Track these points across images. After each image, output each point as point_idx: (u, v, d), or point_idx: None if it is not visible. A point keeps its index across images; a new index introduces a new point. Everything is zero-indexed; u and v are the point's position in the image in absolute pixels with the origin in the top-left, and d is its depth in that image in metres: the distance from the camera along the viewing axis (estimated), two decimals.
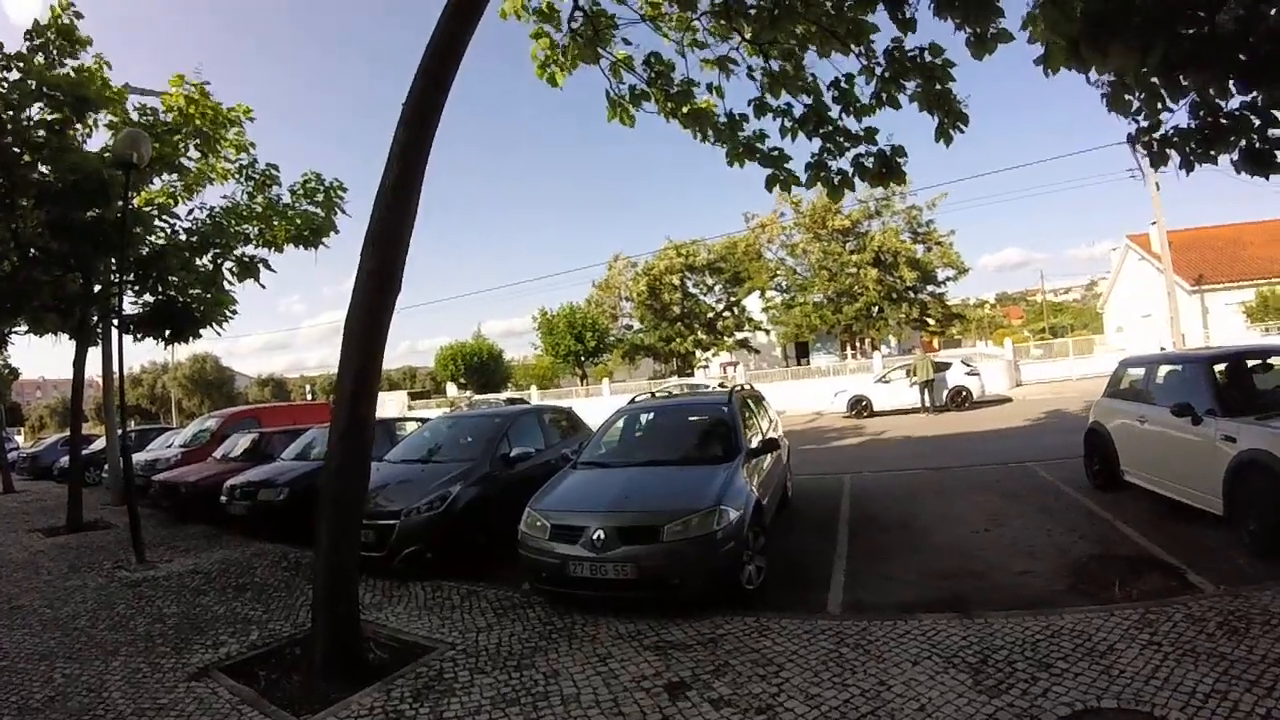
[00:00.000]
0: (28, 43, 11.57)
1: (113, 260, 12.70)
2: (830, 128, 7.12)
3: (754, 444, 8.20)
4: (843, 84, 7.07)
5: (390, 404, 57.66)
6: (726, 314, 52.01)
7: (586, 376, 55.08)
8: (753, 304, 51.98)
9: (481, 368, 62.42)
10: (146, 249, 13.00)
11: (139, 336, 13.85)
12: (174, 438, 21.43)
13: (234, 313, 14.32)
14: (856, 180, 7.30)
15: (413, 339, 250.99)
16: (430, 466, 9.37)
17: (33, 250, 12.18)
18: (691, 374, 49.42)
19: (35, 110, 11.56)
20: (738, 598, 6.37)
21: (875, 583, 6.98)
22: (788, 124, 7.23)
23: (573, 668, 5.26)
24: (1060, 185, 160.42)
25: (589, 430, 11.42)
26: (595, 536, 6.27)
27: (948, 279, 44.62)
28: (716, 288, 52.84)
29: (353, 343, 5.80)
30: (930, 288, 44.87)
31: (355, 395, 5.80)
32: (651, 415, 9.91)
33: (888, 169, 6.99)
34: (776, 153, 7.49)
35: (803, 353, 53.96)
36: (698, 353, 51.73)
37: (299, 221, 14.09)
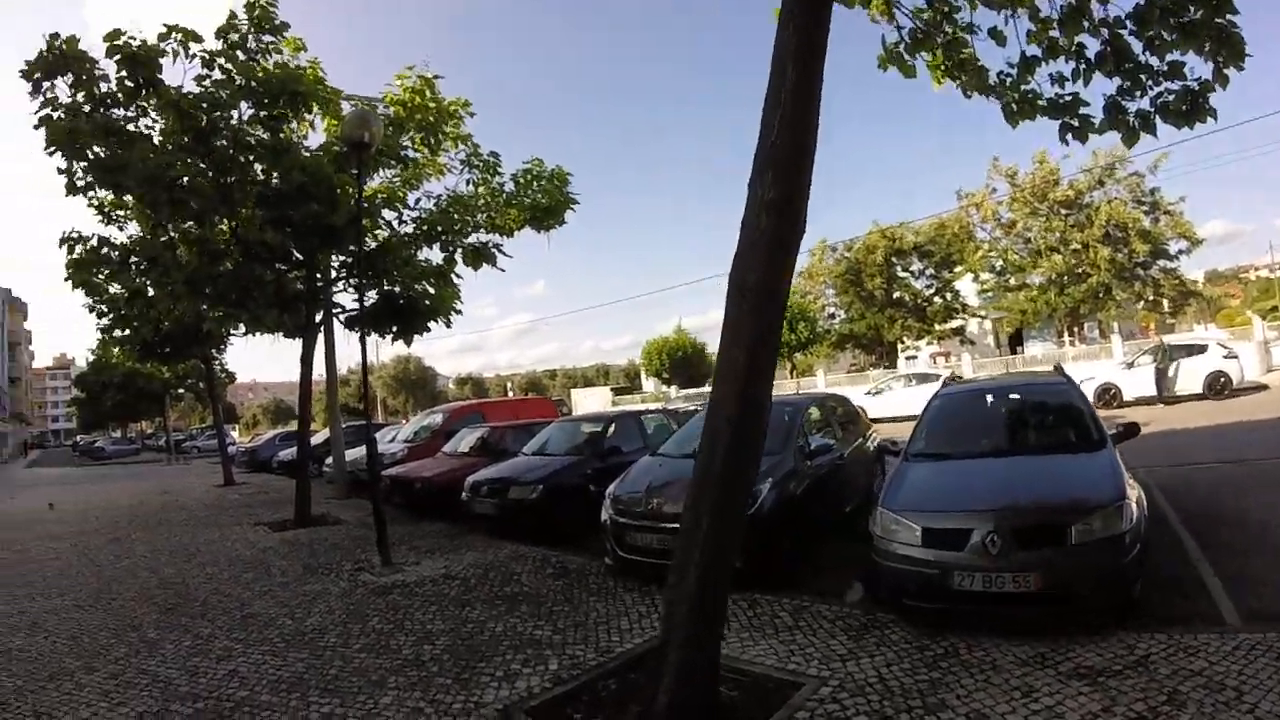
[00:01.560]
0: (221, 40, 11.55)
1: (334, 256, 13.38)
2: (1130, 65, 6.23)
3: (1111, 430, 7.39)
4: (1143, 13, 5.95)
5: (592, 399, 58.53)
6: (937, 299, 48.22)
7: (796, 369, 52.90)
8: (966, 289, 48.22)
9: (685, 362, 61.80)
10: (370, 244, 13.25)
11: (365, 333, 13.97)
12: (393, 433, 21.96)
13: (459, 310, 14.63)
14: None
15: (596, 339, 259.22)
16: None
17: (254, 248, 12.54)
18: (894, 365, 46.98)
19: (245, 109, 11.72)
20: (1125, 608, 5.49)
21: (1260, 588, 6.07)
22: (1081, 66, 6.38)
23: (998, 707, 4.35)
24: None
25: (866, 421, 11.23)
26: (988, 540, 5.41)
27: (1180, 252, 40.11)
28: (926, 272, 49.15)
29: (744, 301, 4.44)
30: (1161, 262, 39.95)
31: (750, 372, 4.42)
32: (979, 399, 9.11)
33: (1191, 107, 6.02)
34: (1068, 99, 6.42)
35: (1016, 341, 49.88)
36: (905, 341, 48.69)
37: (530, 204, 13.81)
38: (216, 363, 25.66)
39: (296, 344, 14.28)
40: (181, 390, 45.07)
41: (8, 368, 70.40)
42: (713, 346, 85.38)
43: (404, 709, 4.91)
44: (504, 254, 14.05)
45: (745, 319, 4.38)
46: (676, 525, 6.87)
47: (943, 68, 6.75)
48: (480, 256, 13.84)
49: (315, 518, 13.15)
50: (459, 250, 13.86)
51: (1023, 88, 6.56)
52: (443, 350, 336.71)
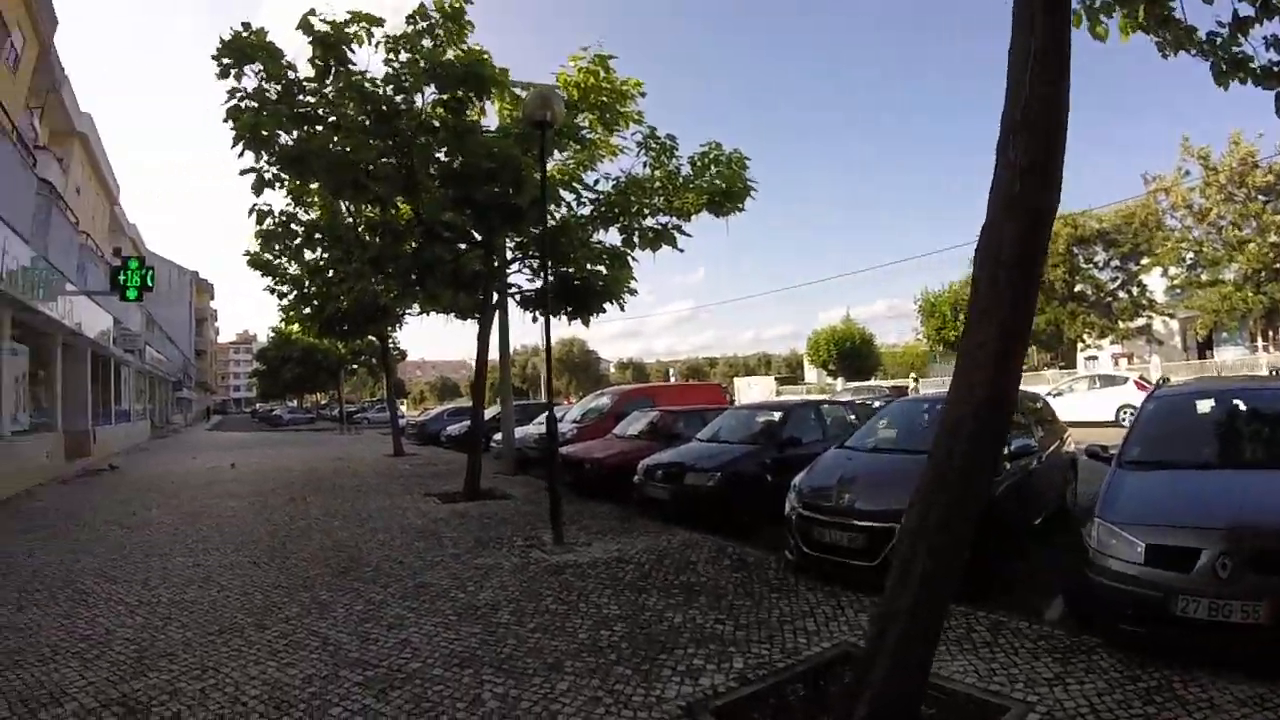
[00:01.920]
0: (410, 26, 11.63)
1: (510, 238, 13.64)
2: None
3: None
4: None
5: (755, 388, 58.25)
6: (1122, 294, 44.12)
7: None
8: (1154, 284, 43.86)
9: (853, 353, 60.43)
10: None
11: (548, 314, 14.32)
12: (560, 413, 21.67)
13: (633, 291, 14.53)
14: None
15: (756, 328, 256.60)
16: (911, 458, 7.46)
17: (435, 229, 12.74)
18: (1073, 365, 44.47)
19: (429, 93, 11.79)
20: None
21: None
22: None
23: None
24: None
25: (1062, 423, 10.95)
26: (1219, 563, 4.83)
27: None
28: (1111, 264, 45.09)
29: (997, 277, 3.91)
30: None
31: (1001, 357, 3.88)
32: (1202, 403, 8.10)
33: None
34: None
35: (1205, 344, 44.99)
36: (1086, 339, 45.41)
37: (707, 188, 13.29)
38: (390, 340, 26.78)
39: (463, 325, 14.59)
40: (355, 365, 47.31)
41: (195, 341, 76.31)
42: (883, 337, 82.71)
43: (581, 696, 4.59)
44: (685, 234, 13.76)
45: (998, 296, 3.84)
46: (868, 524, 6.74)
47: (1140, 23, 5.94)
48: (660, 239, 13.60)
49: (484, 492, 13.31)
50: (636, 233, 13.67)
51: (1233, 49, 5.80)
52: (603, 335, 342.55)
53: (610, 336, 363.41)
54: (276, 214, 13.38)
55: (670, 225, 13.63)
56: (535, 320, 14.56)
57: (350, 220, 13.67)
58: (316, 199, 13.95)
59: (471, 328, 17.00)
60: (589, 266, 14.02)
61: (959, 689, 4.57)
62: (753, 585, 7.02)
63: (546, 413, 10.07)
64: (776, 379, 68.94)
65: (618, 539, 9.33)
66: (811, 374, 66.70)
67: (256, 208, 12.96)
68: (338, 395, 57.88)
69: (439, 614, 6.38)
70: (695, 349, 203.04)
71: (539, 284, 14.79)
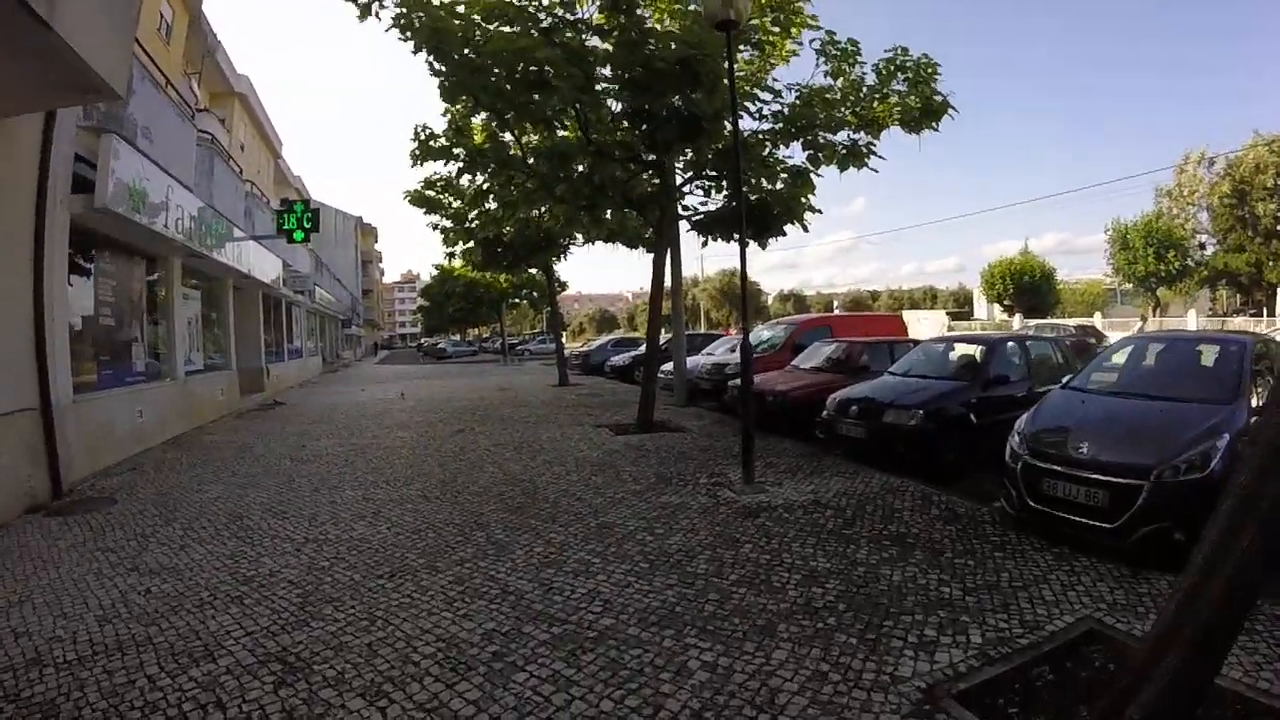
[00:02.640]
0: None
1: (683, 156, 12.82)
2: None
3: None
4: None
5: (925, 323, 55.66)
6: None
7: (1160, 304, 46.29)
8: None
9: (1031, 288, 56.59)
10: (721, 144, 12.16)
11: (711, 238, 14.52)
12: (728, 343, 21.55)
13: (816, 209, 13.53)
14: None
15: (919, 259, 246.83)
16: (1158, 405, 6.78)
17: (606, 149, 12.19)
18: (1273, 312, 39.62)
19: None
20: None
21: None
22: None
23: None
24: None
25: None
26: None
27: None
28: None
29: None
30: None
31: None
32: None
33: None
34: None
35: None
36: None
37: (897, 103, 12.02)
38: (553, 271, 26.73)
39: (625, 256, 14.18)
40: (517, 299, 48.94)
41: (361, 281, 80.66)
42: (1065, 273, 77.51)
43: (804, 670, 4.04)
44: (877, 154, 12.54)
45: None
46: (1111, 479, 5.96)
47: None
48: (852, 156, 12.46)
49: (658, 423, 13.03)
50: (822, 150, 12.56)
51: None
52: (761, 267, 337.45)
53: (767, 268, 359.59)
54: (436, 138, 13.13)
55: (862, 143, 12.50)
56: (706, 245, 14.03)
57: (515, 150, 13.32)
58: (481, 126, 13.62)
59: (630, 260, 16.84)
60: (766, 185, 13.14)
61: (1227, 689, 3.77)
62: (971, 541, 6.33)
63: (741, 342, 9.32)
64: (948, 314, 66.17)
65: (809, 479, 8.73)
66: (981, 309, 63.21)
67: (419, 131, 12.81)
68: (500, 328, 59.71)
69: (627, 559, 5.97)
70: (855, 282, 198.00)
71: (713, 206, 14.33)
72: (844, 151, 12.39)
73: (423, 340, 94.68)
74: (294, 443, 12.97)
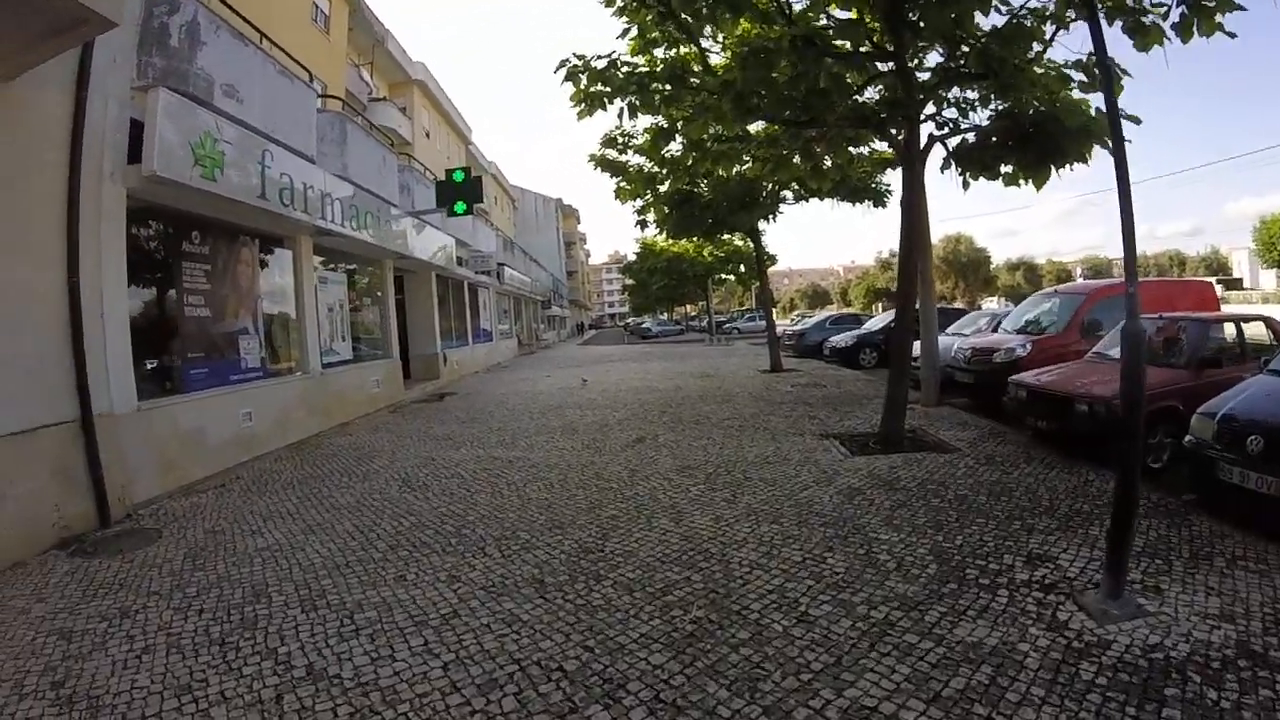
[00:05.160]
0: None
1: (939, 49, 9.54)
2: None
3: None
4: None
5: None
6: None
7: None
8: None
9: None
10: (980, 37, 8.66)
11: (970, 176, 10.27)
12: (978, 320, 17.38)
13: (1133, 119, 8.90)
14: None
15: (1149, 222, 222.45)
16: None
17: (817, 40, 8.67)
18: None
19: None
20: None
21: None
22: None
23: None
24: None
25: None
26: None
27: None
28: None
29: None
30: None
31: None
32: None
33: None
34: None
35: None
36: None
37: None
38: (760, 237, 22.90)
39: (832, 226, 10.42)
40: (722, 274, 45.91)
41: (565, 263, 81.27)
42: None
43: None
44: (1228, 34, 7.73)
45: None
46: None
47: None
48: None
49: (908, 436, 9.44)
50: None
51: None
52: (979, 234, 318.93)
53: (984, 237, 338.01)
54: (589, 62, 9.97)
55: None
56: (967, 186, 10.04)
57: (696, 62, 9.93)
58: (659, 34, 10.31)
59: (843, 229, 12.87)
60: (1043, 99, 9.13)
61: None
62: None
63: (1125, 330, 4.67)
64: (1220, 282, 57.72)
65: (1201, 576, 4.75)
66: (1261, 275, 54.63)
67: (566, 63, 9.74)
68: (706, 305, 56.48)
69: None
70: (1082, 248, 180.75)
71: (977, 122, 10.18)
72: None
73: (629, 320, 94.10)
74: (425, 454, 10.45)
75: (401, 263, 18.68)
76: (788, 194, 18.42)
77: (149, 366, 9.14)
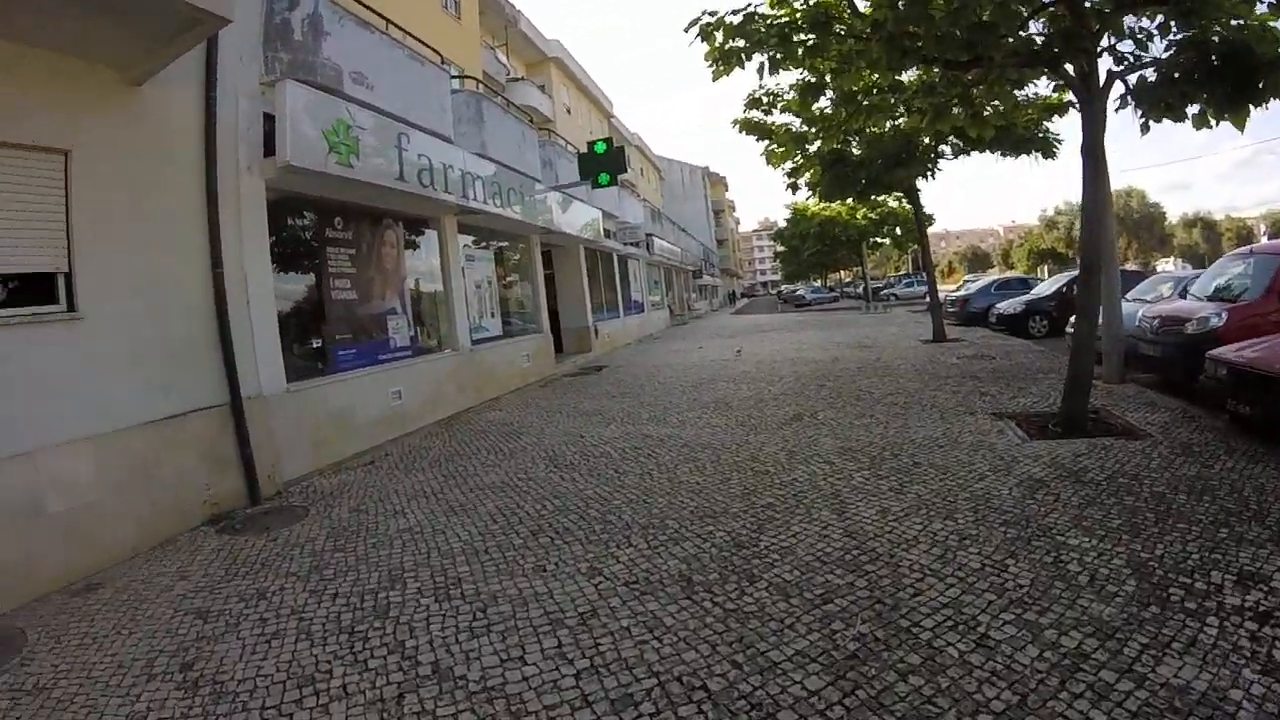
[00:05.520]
0: None
1: None
2: None
3: None
4: None
5: None
6: None
7: None
8: None
9: None
10: None
11: (1151, 117, 8.87)
12: (1160, 284, 15.43)
13: None
14: None
15: None
16: None
17: None
18: None
19: None
20: None
21: None
22: None
23: None
24: None
25: None
26: None
27: None
28: None
29: None
30: None
31: None
32: None
33: None
34: None
35: None
36: None
37: None
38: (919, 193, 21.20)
39: (994, 181, 9.32)
40: (878, 238, 43.69)
41: (714, 231, 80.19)
42: None
43: None
44: None
45: None
46: None
47: None
48: None
49: (1092, 417, 8.35)
50: None
51: None
52: (1150, 186, 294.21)
53: (1155, 190, 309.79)
54: (723, 18, 9.30)
55: None
56: (1147, 128, 8.80)
57: (846, 8, 9.04)
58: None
59: (1002, 186, 11.55)
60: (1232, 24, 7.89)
61: None
62: None
63: None
64: None
65: None
66: None
67: (698, 22, 9.17)
68: (861, 271, 53.36)
69: None
70: (1260, 202, 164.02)
71: (1156, 55, 8.73)
72: None
73: (782, 288, 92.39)
74: (573, 430, 10.19)
75: (548, 237, 18.63)
76: (945, 149, 17.13)
77: (298, 349, 9.36)
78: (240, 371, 7.64)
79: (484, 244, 15.45)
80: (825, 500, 6.16)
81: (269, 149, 8.42)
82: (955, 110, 10.16)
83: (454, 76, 14.65)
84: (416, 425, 11.14)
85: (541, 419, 11.32)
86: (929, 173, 17.91)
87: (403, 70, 10.86)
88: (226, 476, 7.51)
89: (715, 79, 9.14)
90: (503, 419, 11.59)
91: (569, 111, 30.20)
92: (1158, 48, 8.78)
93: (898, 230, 40.28)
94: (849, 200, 26.18)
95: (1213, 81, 8.10)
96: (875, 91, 10.82)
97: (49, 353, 5.97)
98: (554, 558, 5.31)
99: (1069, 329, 13.16)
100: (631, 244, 29.15)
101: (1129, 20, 8.68)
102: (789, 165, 17.95)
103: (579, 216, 19.69)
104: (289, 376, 8.66)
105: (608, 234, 24.26)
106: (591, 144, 15.77)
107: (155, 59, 6.58)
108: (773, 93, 15.31)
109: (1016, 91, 10.81)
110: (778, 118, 16.02)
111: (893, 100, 11.52)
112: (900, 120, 13.99)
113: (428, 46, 12.11)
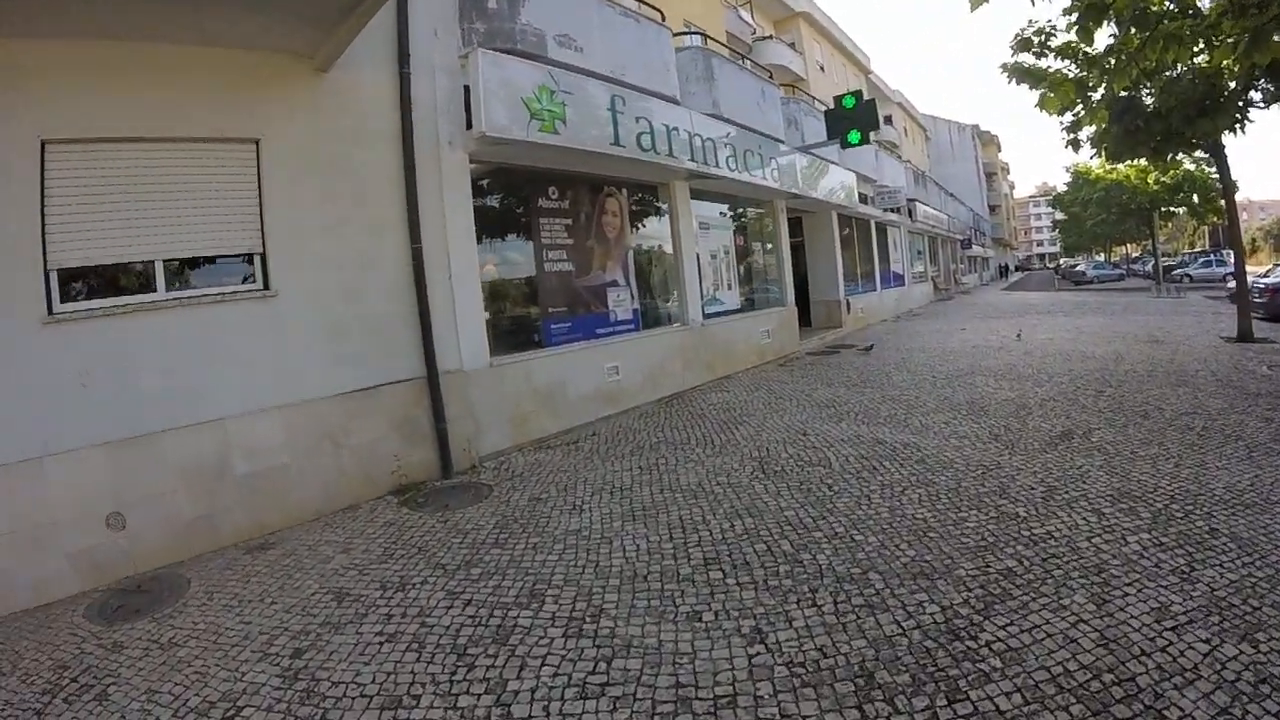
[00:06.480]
0: None
1: None
2: None
3: None
4: None
5: None
6: None
7: None
8: None
9: None
10: None
11: None
12: None
13: None
14: None
15: None
16: None
17: None
18: None
19: None
20: None
21: None
22: None
23: None
24: None
25: None
26: None
27: None
28: None
29: None
30: None
31: None
32: None
33: None
34: None
35: None
36: None
37: None
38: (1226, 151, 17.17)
39: None
40: (1171, 207, 38.11)
41: (986, 196, 73.98)
42: None
43: None
44: None
45: None
46: None
47: None
48: None
49: None
50: None
51: None
52: None
53: None
54: None
55: None
56: None
57: None
58: None
59: None
60: None
61: None
62: None
63: None
64: None
65: None
66: None
67: None
68: (1151, 245, 44.65)
69: None
70: None
71: None
72: None
73: (1060, 261, 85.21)
74: (798, 424, 9.11)
75: (795, 203, 17.59)
76: (1255, 94, 13.89)
77: (507, 323, 9.18)
78: (439, 346, 7.74)
79: (721, 211, 14.67)
80: (1084, 575, 4.46)
81: (470, 122, 8.26)
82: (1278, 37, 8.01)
83: (695, 34, 13.97)
84: (633, 403, 10.73)
85: (766, 406, 10.41)
86: (1239, 125, 14.80)
87: (616, 29, 10.33)
88: (418, 449, 7.62)
89: (974, 8, 7.69)
90: (726, 402, 10.85)
91: (822, 69, 28.68)
92: None
93: (1195, 197, 35.51)
94: (1139, 160, 22.55)
95: None
96: (1173, 15, 8.80)
97: (243, 327, 6.41)
98: (716, 604, 4.37)
99: None
100: (891, 210, 27.37)
101: None
102: (1069, 118, 15.51)
103: (830, 179, 18.33)
104: (497, 350, 8.58)
105: (864, 199, 22.83)
106: (839, 98, 14.55)
107: (333, 43, 6.66)
108: (1044, 30, 13.03)
109: None
110: (1051, 62, 13.78)
111: (1189, 31, 9.30)
112: (1201, 59, 11.70)
113: (648, 4, 11.40)
